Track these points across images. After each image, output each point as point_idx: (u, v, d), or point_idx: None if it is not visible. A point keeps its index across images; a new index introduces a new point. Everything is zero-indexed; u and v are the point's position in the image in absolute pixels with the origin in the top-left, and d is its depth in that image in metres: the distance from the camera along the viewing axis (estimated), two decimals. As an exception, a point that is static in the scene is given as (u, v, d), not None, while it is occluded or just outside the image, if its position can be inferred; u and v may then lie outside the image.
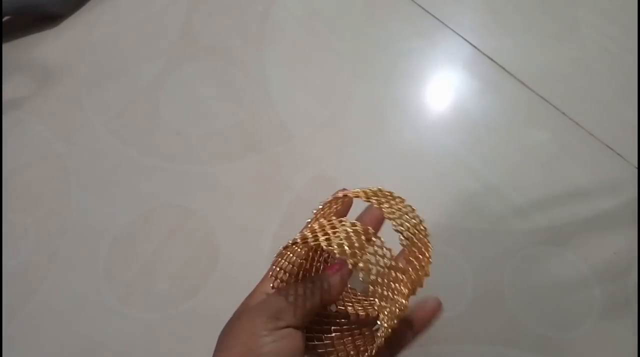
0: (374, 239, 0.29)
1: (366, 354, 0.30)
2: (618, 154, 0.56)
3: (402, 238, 0.30)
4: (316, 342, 0.32)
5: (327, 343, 0.32)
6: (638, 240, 0.50)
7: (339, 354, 0.31)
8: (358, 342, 0.33)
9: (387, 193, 0.32)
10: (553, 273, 0.49)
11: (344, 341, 0.32)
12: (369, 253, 0.29)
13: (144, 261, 0.50)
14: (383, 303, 0.29)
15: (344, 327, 0.34)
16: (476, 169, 0.55)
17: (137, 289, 0.48)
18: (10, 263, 0.50)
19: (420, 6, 0.69)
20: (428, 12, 0.68)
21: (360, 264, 0.28)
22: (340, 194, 0.33)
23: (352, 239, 0.28)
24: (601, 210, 0.52)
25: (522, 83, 0.61)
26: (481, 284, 0.48)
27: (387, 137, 0.58)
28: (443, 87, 0.62)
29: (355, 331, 0.34)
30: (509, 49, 0.65)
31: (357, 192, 0.32)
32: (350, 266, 0.28)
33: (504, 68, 0.63)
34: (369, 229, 0.29)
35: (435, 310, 0.34)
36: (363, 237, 0.29)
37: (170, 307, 0.47)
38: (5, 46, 0.66)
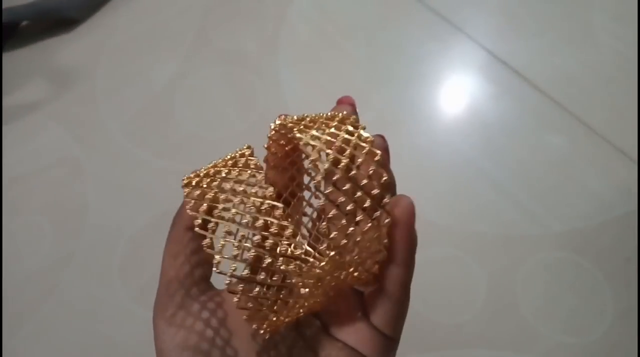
0: None
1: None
2: (632, 160, 0.55)
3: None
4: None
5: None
6: (638, 241, 0.50)
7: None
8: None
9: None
10: (566, 278, 0.49)
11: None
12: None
13: (159, 262, 0.50)
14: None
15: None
16: (490, 174, 0.55)
17: (152, 290, 0.49)
18: (27, 264, 0.51)
19: (434, 11, 0.69)
20: (442, 16, 0.68)
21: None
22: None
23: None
24: (615, 216, 0.52)
25: (537, 88, 0.61)
26: (494, 288, 0.48)
27: (401, 141, 0.58)
28: (457, 92, 0.62)
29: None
30: (523, 54, 0.64)
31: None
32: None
33: (518, 72, 0.63)
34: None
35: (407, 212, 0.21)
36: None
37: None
38: (23, 50, 0.67)
